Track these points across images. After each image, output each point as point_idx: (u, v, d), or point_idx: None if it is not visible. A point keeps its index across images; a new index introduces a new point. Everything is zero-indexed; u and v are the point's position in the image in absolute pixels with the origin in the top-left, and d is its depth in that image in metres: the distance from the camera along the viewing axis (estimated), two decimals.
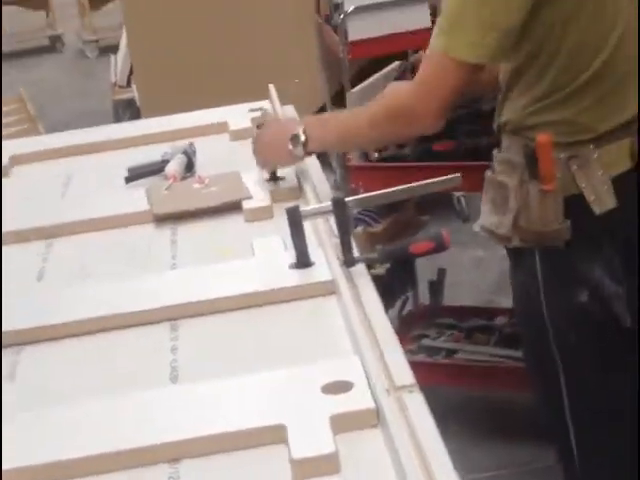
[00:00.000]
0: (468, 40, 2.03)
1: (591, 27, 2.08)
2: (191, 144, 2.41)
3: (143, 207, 2.19)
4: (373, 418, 1.36)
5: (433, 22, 2.13)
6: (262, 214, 2.09)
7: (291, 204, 1.87)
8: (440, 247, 1.78)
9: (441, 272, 3.49)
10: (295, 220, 1.77)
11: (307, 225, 1.83)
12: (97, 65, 8.14)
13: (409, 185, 1.93)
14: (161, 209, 2.17)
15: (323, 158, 2.44)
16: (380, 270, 2.95)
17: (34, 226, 2.19)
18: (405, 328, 3.33)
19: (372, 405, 1.36)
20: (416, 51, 3.53)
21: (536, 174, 2.07)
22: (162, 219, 2.15)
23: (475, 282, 4.09)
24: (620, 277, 2.15)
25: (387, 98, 2.17)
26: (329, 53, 4.34)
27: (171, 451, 1.36)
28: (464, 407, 3.39)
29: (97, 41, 8.73)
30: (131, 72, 5.66)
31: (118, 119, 6.03)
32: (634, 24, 2.12)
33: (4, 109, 5.38)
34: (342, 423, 1.34)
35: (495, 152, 2.21)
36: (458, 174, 1.95)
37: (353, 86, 3.54)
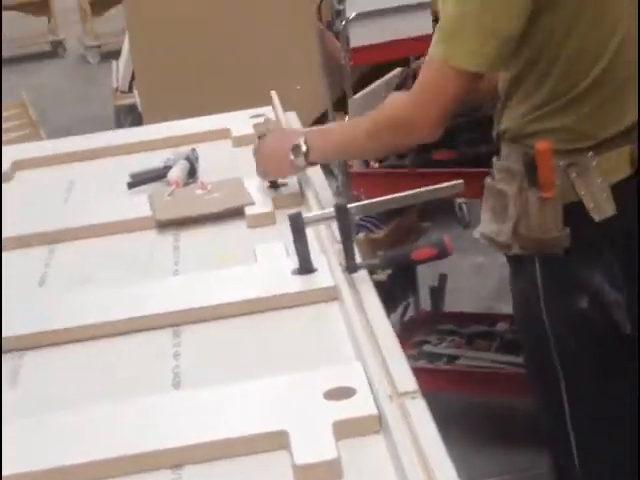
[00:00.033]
0: (468, 48, 2.03)
1: (591, 33, 2.08)
2: (193, 150, 2.42)
3: (145, 213, 2.20)
4: (375, 424, 1.36)
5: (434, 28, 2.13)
6: (264, 220, 2.10)
7: (293, 210, 1.87)
8: (442, 254, 1.78)
9: (442, 278, 3.49)
10: (298, 226, 1.77)
11: (309, 231, 1.83)
12: (99, 71, 8.15)
13: (412, 192, 1.93)
14: (164, 215, 2.17)
15: (324, 165, 2.45)
16: (381, 276, 2.95)
17: (36, 231, 2.19)
18: (406, 334, 3.33)
19: (374, 411, 1.36)
20: (418, 57, 3.54)
21: (535, 182, 2.08)
22: (164, 225, 2.16)
23: (476, 288, 4.09)
24: (620, 284, 2.15)
25: (386, 108, 2.18)
26: (331, 59, 4.34)
27: (174, 457, 1.37)
28: (465, 413, 3.39)
29: (99, 47, 8.74)
30: (133, 78, 5.66)
31: (120, 125, 6.04)
32: (634, 31, 2.13)
33: (6, 114, 5.38)
34: (344, 429, 1.35)
35: (494, 160, 2.21)
36: (460, 181, 1.95)
37: (355, 92, 3.54)
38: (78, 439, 1.42)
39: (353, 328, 1.58)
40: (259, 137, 2.30)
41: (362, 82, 3.72)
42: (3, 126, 4.99)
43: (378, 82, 3.23)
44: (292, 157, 2.12)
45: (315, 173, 2.23)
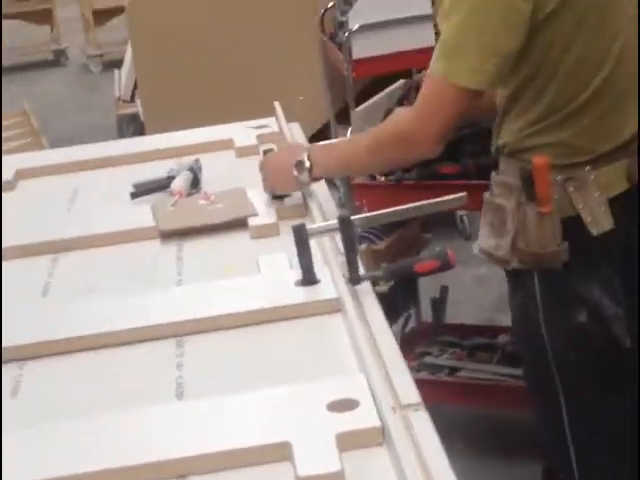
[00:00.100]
0: (468, 66, 2.04)
1: (592, 43, 2.08)
2: (197, 160, 2.42)
3: (149, 223, 2.20)
4: (379, 436, 1.36)
5: (437, 41, 2.14)
6: (268, 231, 2.10)
7: (297, 222, 1.88)
8: (446, 266, 1.79)
9: (444, 290, 3.49)
10: (301, 238, 1.78)
11: (313, 243, 1.83)
12: (101, 80, 8.16)
13: (415, 204, 1.94)
14: (167, 225, 2.17)
15: None
16: (383, 288, 2.95)
17: (40, 241, 2.19)
18: (407, 346, 3.32)
19: (378, 423, 1.36)
20: (420, 70, 3.54)
21: (533, 196, 2.08)
22: (168, 235, 2.16)
23: (477, 300, 4.09)
24: (619, 298, 2.16)
25: (388, 124, 2.19)
26: (333, 71, 4.36)
27: (177, 468, 1.37)
28: (468, 425, 3.39)
29: (101, 56, 8.75)
30: (135, 87, 5.67)
31: (122, 134, 6.04)
32: (634, 38, 2.13)
33: (7, 122, 5.38)
34: (348, 441, 1.35)
35: (493, 174, 2.21)
36: (464, 193, 1.96)
37: (357, 104, 3.55)
38: (80, 449, 1.42)
39: (356, 340, 1.58)
40: (265, 152, 2.31)
41: (364, 94, 3.73)
42: (4, 135, 4.99)
43: (381, 94, 3.23)
44: (296, 173, 2.13)
45: (318, 185, 2.23)
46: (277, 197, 2.20)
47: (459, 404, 3.32)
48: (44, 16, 9.23)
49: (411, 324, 3.52)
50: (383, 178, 3.08)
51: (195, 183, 2.36)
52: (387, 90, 3.25)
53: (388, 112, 3.07)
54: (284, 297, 1.78)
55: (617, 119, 2.14)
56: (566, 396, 2.18)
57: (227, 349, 1.70)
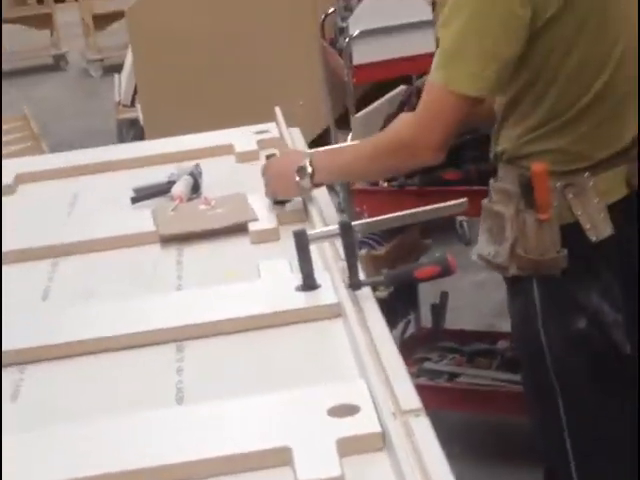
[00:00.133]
0: (468, 72, 2.04)
1: (594, 46, 2.08)
2: (197, 165, 2.42)
3: (149, 228, 2.20)
4: (379, 442, 1.36)
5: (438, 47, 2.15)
6: (268, 236, 2.10)
7: (297, 227, 1.88)
8: (446, 272, 1.79)
9: (443, 295, 3.49)
10: (302, 243, 1.78)
11: (313, 248, 1.83)
12: (101, 84, 8.17)
13: (416, 210, 1.94)
14: (167, 230, 2.17)
15: None
16: (383, 293, 2.95)
17: (40, 245, 2.19)
18: (407, 351, 3.32)
19: (378, 429, 1.36)
20: (421, 76, 3.55)
21: (532, 203, 2.08)
22: (168, 240, 2.16)
23: (477, 306, 4.09)
24: (619, 304, 2.16)
25: (389, 131, 2.19)
26: (334, 76, 4.36)
27: (177, 473, 1.36)
28: (467, 430, 3.39)
29: (101, 60, 8.77)
30: (135, 92, 5.67)
31: (122, 138, 6.05)
32: (634, 43, 2.13)
33: (7, 127, 5.39)
34: (348, 446, 1.35)
35: (491, 181, 2.21)
36: (465, 199, 1.96)
37: (357, 110, 3.55)
38: (80, 454, 1.41)
39: (357, 345, 1.58)
40: (267, 157, 2.31)
41: (365, 99, 3.74)
42: (4, 139, 5.00)
43: (381, 100, 3.24)
44: (298, 178, 2.13)
45: (319, 190, 2.23)
46: (278, 202, 2.20)
47: (458, 410, 3.32)
48: (44, 20, 9.25)
49: (411, 329, 3.51)
50: (386, 184, 3.08)
51: (195, 188, 2.36)
52: (387, 96, 3.26)
53: (388, 118, 3.08)
54: (284, 302, 1.78)
55: (616, 125, 2.14)
56: (565, 402, 2.18)
57: (227, 354, 1.70)
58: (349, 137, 3.27)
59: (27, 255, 2.17)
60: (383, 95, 3.32)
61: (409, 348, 3.38)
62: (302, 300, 1.78)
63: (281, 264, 1.92)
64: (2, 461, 1.38)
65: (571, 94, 2.10)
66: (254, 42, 4.93)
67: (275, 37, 4.94)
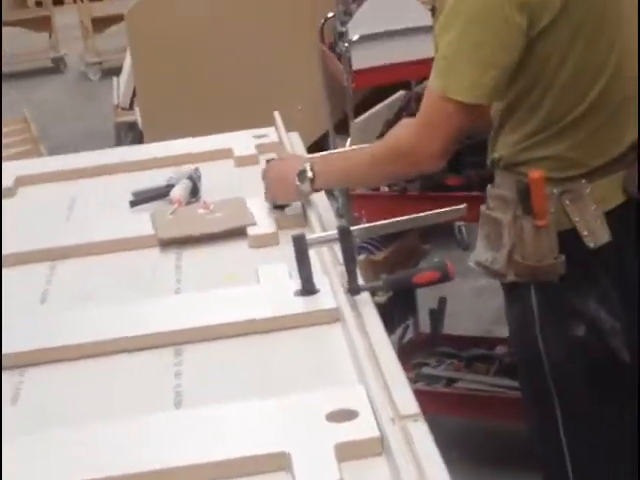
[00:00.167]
0: (467, 80, 2.04)
1: (589, 54, 2.08)
2: (196, 169, 2.42)
3: (148, 231, 2.20)
4: (378, 447, 1.36)
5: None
6: (267, 241, 2.10)
7: (296, 231, 1.88)
8: (445, 277, 1.79)
9: (442, 301, 3.49)
10: (301, 248, 1.78)
11: (312, 253, 1.83)
12: (99, 87, 8.16)
13: (415, 215, 1.94)
14: (166, 234, 2.17)
15: None
16: (381, 298, 2.95)
17: (38, 248, 2.19)
18: (405, 356, 3.32)
19: (377, 434, 1.36)
20: (420, 81, 3.55)
21: (529, 210, 2.08)
22: (167, 244, 2.16)
23: (475, 311, 4.09)
24: (617, 311, 2.16)
25: (390, 138, 2.20)
26: (333, 81, 4.35)
27: (175, 477, 1.36)
28: (465, 436, 3.38)
29: (100, 63, 8.76)
30: (134, 95, 5.67)
31: (120, 142, 6.05)
32: (634, 45, 2.13)
33: (6, 130, 5.39)
34: (347, 451, 1.35)
35: (489, 188, 2.21)
36: (464, 205, 1.96)
37: (356, 114, 3.56)
38: (78, 457, 1.41)
39: (355, 350, 1.58)
40: (267, 162, 2.31)
41: (364, 104, 3.74)
42: (3, 142, 5.00)
43: (380, 105, 3.24)
44: (298, 182, 2.13)
45: (318, 195, 2.23)
46: (278, 207, 2.20)
47: (456, 415, 3.32)
48: (43, 23, 9.25)
49: (409, 334, 3.51)
50: (387, 189, 3.08)
51: (194, 192, 2.36)
52: (386, 101, 3.27)
53: (387, 123, 3.09)
54: (283, 307, 1.78)
55: (613, 132, 2.14)
56: (562, 409, 2.18)
57: (226, 358, 1.70)
58: (348, 142, 3.28)
59: (25, 258, 2.17)
60: (382, 100, 3.33)
61: (407, 353, 3.38)
62: (301, 305, 1.78)
63: (280, 269, 1.92)
64: (2, 464, 1.38)
65: (566, 102, 2.10)
66: (253, 46, 4.93)
67: (274, 41, 4.94)
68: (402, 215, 1.97)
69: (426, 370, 3.30)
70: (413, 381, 3.21)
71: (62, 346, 1.76)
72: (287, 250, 1.86)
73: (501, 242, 2.13)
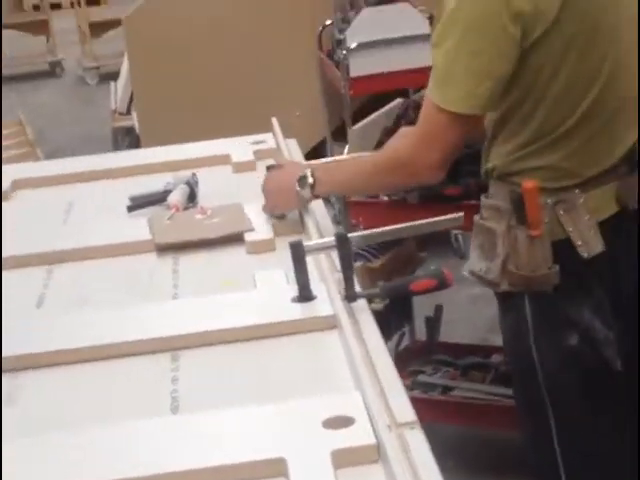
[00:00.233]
0: (463, 90, 2.04)
1: (581, 64, 2.08)
2: (194, 175, 2.43)
3: (145, 236, 2.20)
4: (374, 454, 1.36)
5: None
6: (264, 247, 2.10)
7: (293, 238, 1.88)
8: (442, 285, 1.79)
9: (438, 308, 3.49)
10: (298, 255, 1.78)
11: (309, 259, 1.83)
12: (97, 92, 8.17)
13: (412, 223, 1.94)
14: (163, 239, 2.17)
15: None
16: (378, 305, 2.95)
17: (35, 252, 2.19)
18: (401, 363, 3.32)
19: (373, 441, 1.36)
20: (418, 89, 3.55)
21: (523, 220, 2.08)
22: (164, 249, 2.16)
23: (471, 319, 4.09)
24: (610, 321, 2.16)
25: (387, 149, 2.21)
26: (331, 88, 4.36)
27: None
28: (461, 444, 3.38)
29: (97, 68, 8.77)
30: (131, 99, 5.68)
31: (117, 146, 6.05)
32: (628, 56, 2.13)
33: (4, 132, 5.39)
34: (343, 458, 1.34)
35: (482, 198, 2.22)
36: (461, 213, 1.96)
37: (354, 122, 3.55)
38: (75, 461, 1.41)
39: (352, 357, 1.58)
40: (268, 168, 2.32)
41: (362, 111, 3.74)
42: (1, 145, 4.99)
43: (378, 113, 3.24)
44: (298, 188, 2.13)
45: (315, 202, 2.23)
46: (276, 217, 2.20)
47: (452, 423, 3.32)
48: (40, 27, 9.26)
49: (405, 342, 3.52)
50: (386, 197, 3.08)
51: (192, 197, 2.37)
52: (384, 109, 3.26)
53: (385, 131, 3.09)
54: (280, 313, 1.78)
55: (606, 142, 2.14)
56: (556, 418, 2.18)
57: (222, 364, 1.69)
58: (345, 149, 3.28)
59: (22, 262, 2.17)
60: (380, 108, 3.32)
61: (403, 360, 3.38)
62: (298, 311, 1.78)
63: (277, 275, 1.92)
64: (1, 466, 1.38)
65: (559, 113, 2.10)
66: (251, 52, 4.94)
67: (272, 48, 4.94)
68: (399, 223, 1.97)
69: (422, 378, 3.30)
70: (409, 389, 3.21)
71: (59, 350, 1.76)
72: (284, 256, 1.87)
73: (495, 252, 2.13)
